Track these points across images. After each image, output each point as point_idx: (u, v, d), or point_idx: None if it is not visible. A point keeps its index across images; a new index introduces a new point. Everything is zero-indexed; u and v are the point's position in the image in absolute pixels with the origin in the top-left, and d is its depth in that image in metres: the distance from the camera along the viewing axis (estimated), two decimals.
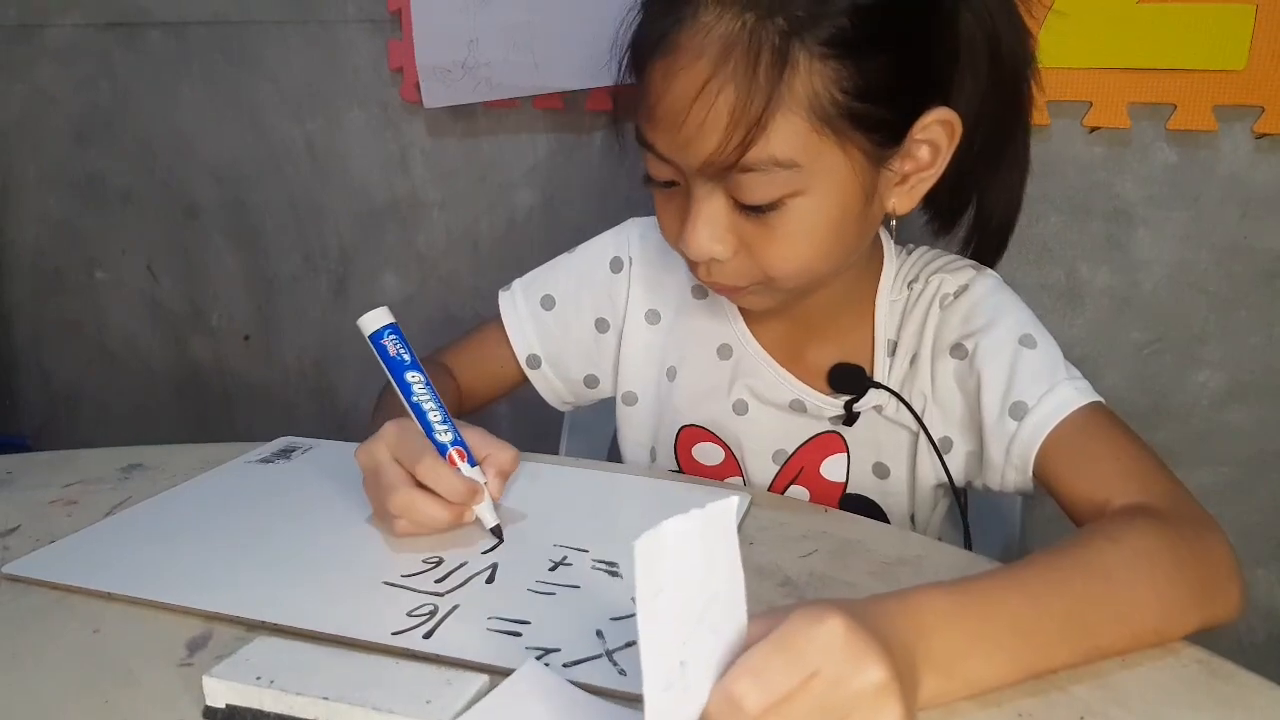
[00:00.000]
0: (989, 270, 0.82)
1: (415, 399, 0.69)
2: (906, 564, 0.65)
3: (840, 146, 0.68)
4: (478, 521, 0.68)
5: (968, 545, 0.81)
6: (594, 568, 0.63)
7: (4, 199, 1.74)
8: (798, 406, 0.84)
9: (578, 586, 0.61)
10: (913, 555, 0.66)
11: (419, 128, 1.49)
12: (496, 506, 0.69)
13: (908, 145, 0.72)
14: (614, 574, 0.62)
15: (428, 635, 0.55)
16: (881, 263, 0.85)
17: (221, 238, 1.65)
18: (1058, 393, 0.73)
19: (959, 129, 0.72)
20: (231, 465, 0.81)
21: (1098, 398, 0.73)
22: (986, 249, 0.85)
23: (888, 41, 0.67)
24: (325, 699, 0.46)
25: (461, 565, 0.63)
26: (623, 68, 0.74)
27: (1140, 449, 0.71)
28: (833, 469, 0.85)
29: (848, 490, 0.85)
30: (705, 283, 0.77)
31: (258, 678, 0.47)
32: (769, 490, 0.86)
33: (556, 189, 1.44)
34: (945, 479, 0.81)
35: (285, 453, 0.84)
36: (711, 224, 0.71)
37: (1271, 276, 1.17)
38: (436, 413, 0.69)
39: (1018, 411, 0.74)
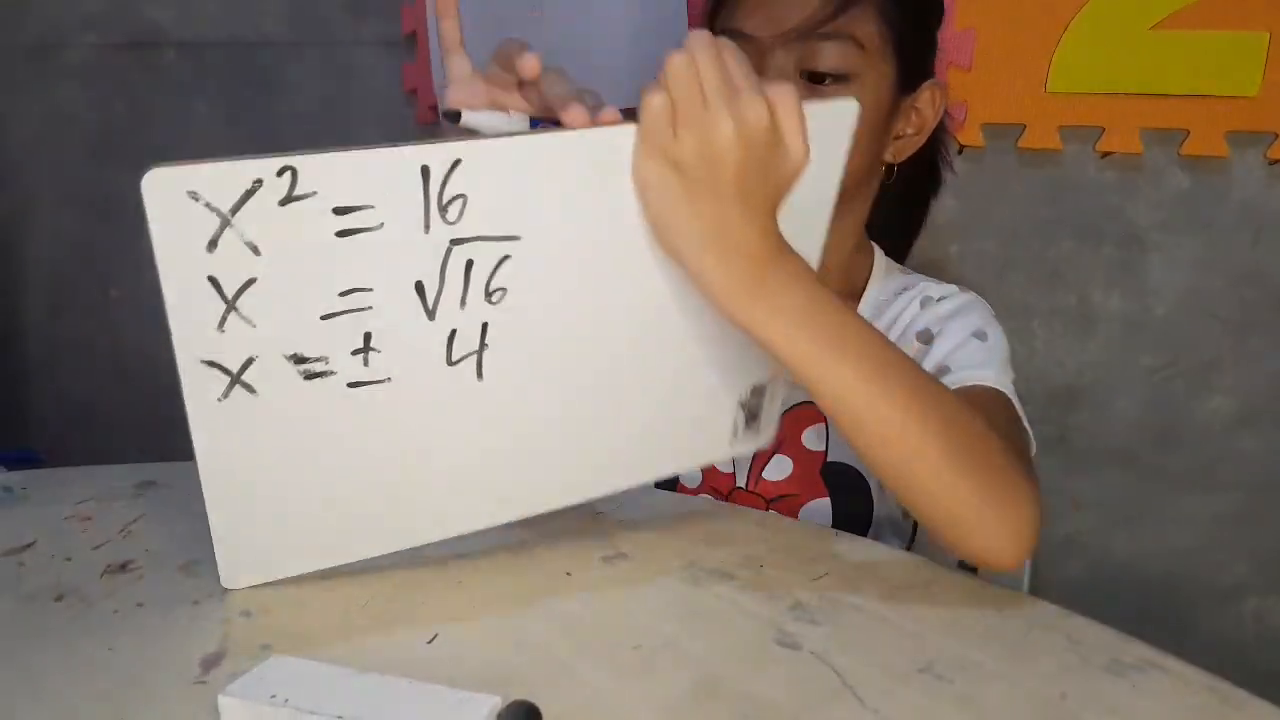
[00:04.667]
0: (975, 293, 0.94)
1: None
2: (916, 588, 0.65)
3: (886, 60, 0.85)
4: None
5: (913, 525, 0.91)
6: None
7: (21, 217, 1.76)
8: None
9: None
10: (922, 580, 0.66)
11: None
12: None
13: (911, 103, 0.89)
14: None
15: None
16: (871, 266, 0.96)
17: None
18: (977, 371, 0.82)
19: (942, 102, 0.91)
20: None
21: (1012, 394, 0.82)
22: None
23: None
24: (339, 718, 0.46)
25: None
26: None
27: (1020, 438, 0.78)
28: (813, 438, 0.90)
29: (829, 458, 0.90)
30: None
31: (272, 696, 0.48)
32: (752, 461, 0.92)
33: None
34: None
35: None
36: None
37: None
38: None
39: (940, 374, 0.82)
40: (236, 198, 0.50)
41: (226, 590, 0.62)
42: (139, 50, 1.61)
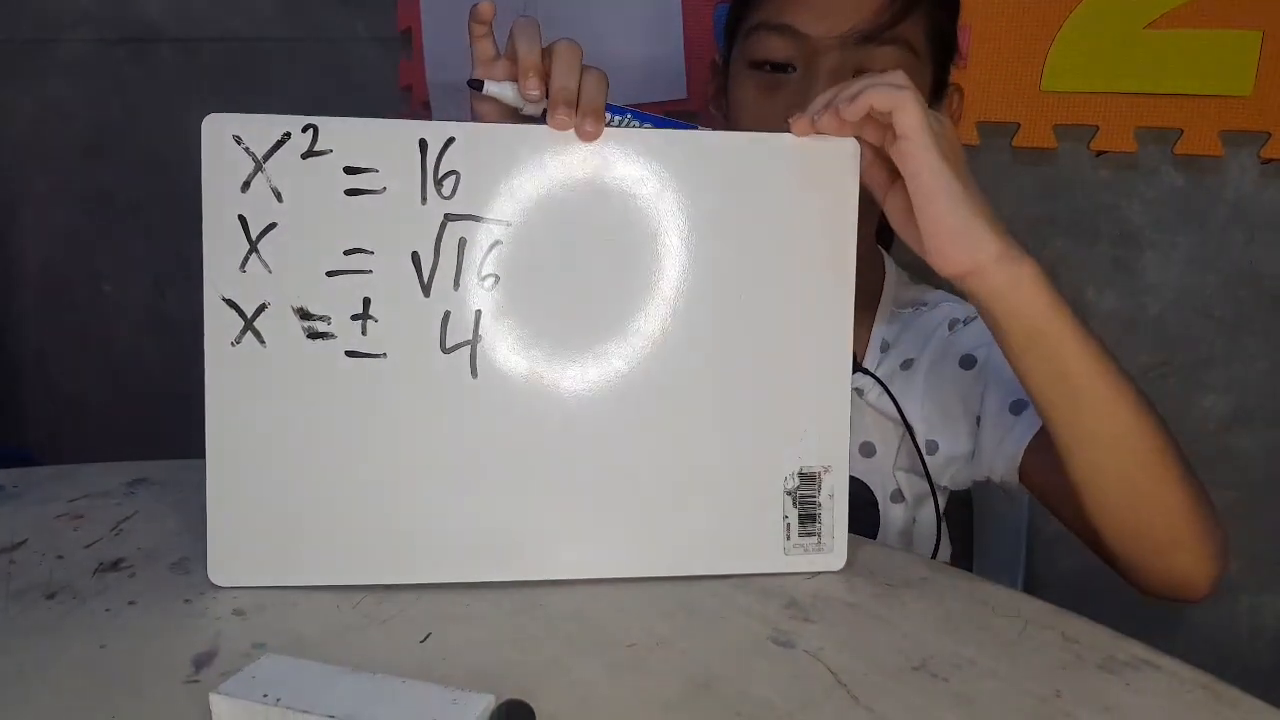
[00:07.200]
0: None
1: None
2: (912, 587, 0.65)
3: (929, 67, 0.85)
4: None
5: (938, 537, 0.89)
6: None
7: (13, 212, 1.75)
8: None
9: None
10: (918, 578, 0.66)
11: None
12: None
13: (938, 110, 0.87)
14: None
15: None
16: (884, 276, 0.95)
17: None
18: None
19: (960, 109, 0.91)
20: None
21: None
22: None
23: (954, 6, 0.88)
24: (331, 717, 0.46)
25: None
26: None
27: None
28: None
29: None
30: None
31: (264, 695, 0.47)
32: None
33: None
34: (922, 469, 0.86)
35: None
36: None
37: (1278, 301, 1.17)
38: None
39: (1018, 408, 0.81)
40: (269, 146, 0.59)
41: (219, 589, 0.62)
42: (133, 46, 1.61)
